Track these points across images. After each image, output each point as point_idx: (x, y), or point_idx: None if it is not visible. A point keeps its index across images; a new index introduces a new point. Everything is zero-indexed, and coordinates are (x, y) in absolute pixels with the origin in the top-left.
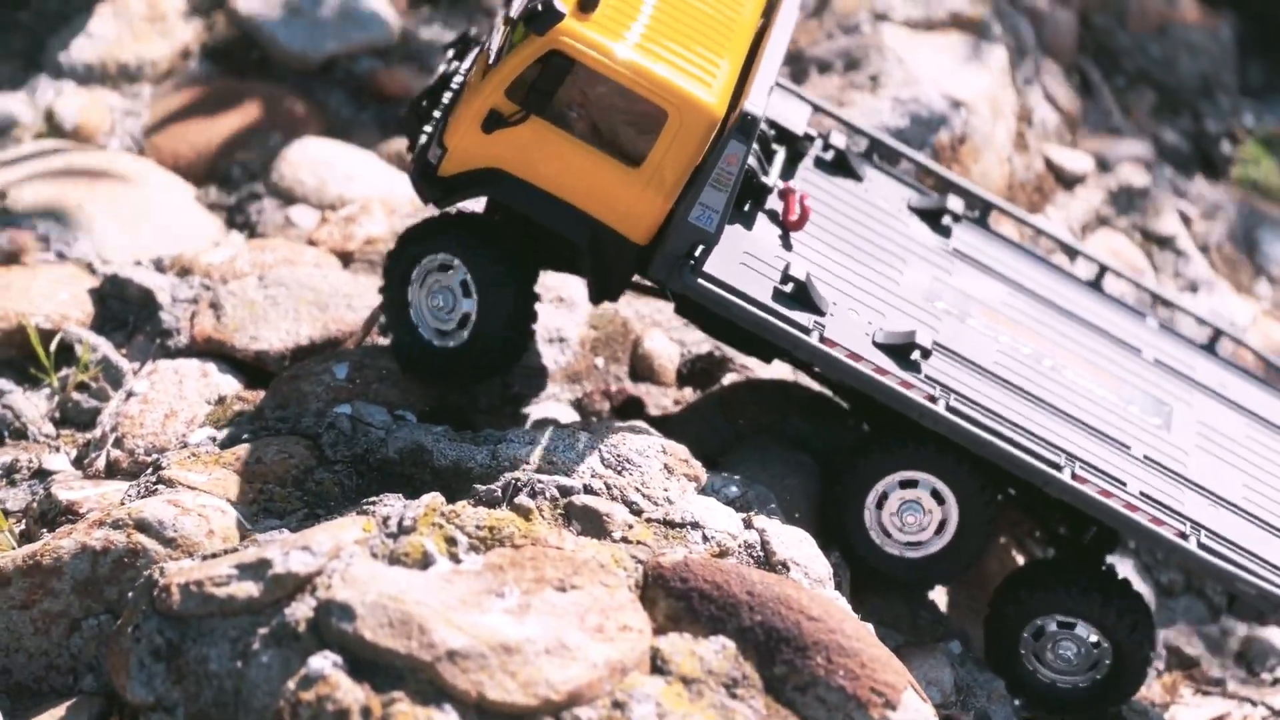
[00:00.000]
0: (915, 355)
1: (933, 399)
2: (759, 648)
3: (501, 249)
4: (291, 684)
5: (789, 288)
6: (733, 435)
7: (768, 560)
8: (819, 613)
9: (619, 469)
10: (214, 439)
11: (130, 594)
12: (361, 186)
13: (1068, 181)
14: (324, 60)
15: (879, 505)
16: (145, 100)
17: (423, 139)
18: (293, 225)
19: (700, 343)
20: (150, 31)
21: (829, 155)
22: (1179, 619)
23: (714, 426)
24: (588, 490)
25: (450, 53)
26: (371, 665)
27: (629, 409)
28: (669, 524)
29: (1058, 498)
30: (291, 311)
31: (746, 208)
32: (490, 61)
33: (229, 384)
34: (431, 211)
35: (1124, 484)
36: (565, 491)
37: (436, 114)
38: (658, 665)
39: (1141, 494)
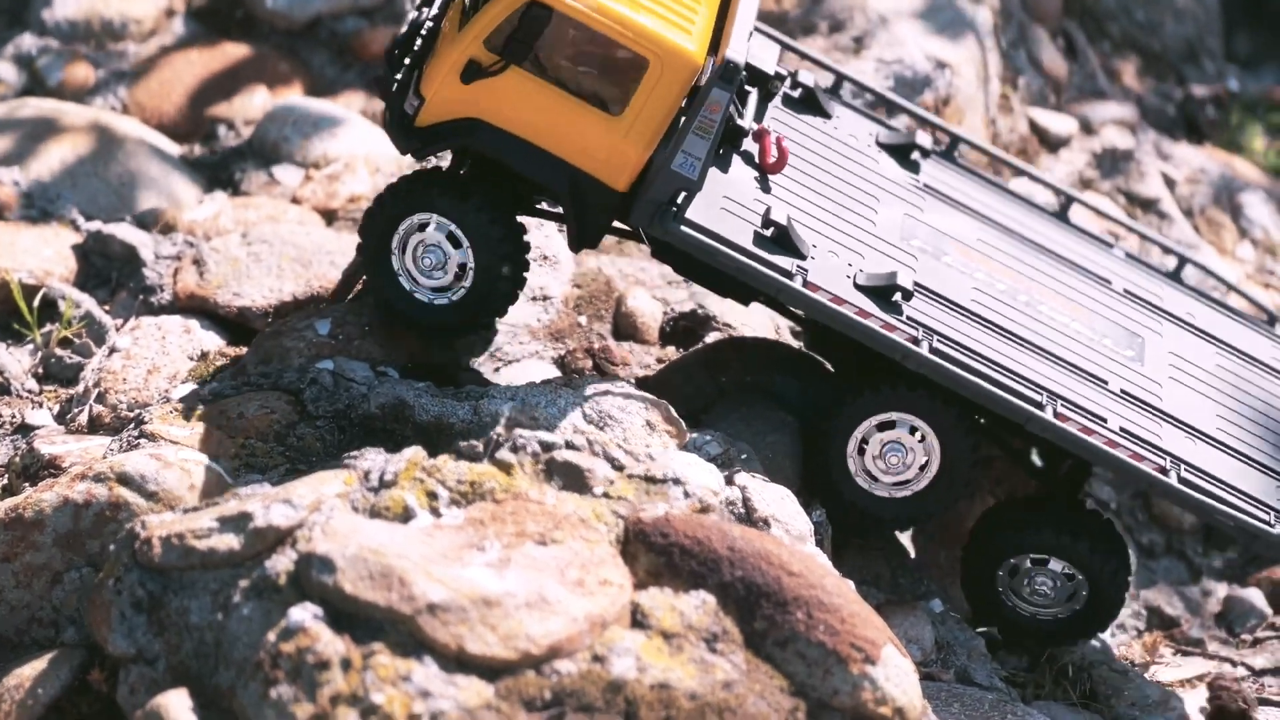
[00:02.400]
0: (897, 297)
1: (915, 341)
2: (739, 603)
3: (480, 195)
4: (272, 636)
5: (770, 231)
6: (716, 393)
7: (749, 517)
8: (799, 568)
9: (601, 425)
10: (196, 394)
11: (112, 547)
12: (345, 145)
13: (1052, 144)
14: (308, 19)
15: (860, 452)
16: (129, 59)
17: (395, 89)
18: (276, 183)
19: (684, 301)
20: None
21: (797, 93)
22: (1159, 580)
23: (697, 384)
24: (569, 446)
25: (414, 9)
26: (351, 617)
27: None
28: (650, 480)
29: (1040, 435)
30: (274, 268)
31: (721, 151)
32: (466, 9)
33: (212, 340)
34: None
35: (1104, 420)
36: (547, 447)
37: (408, 62)
38: (638, 619)
39: (1122, 430)
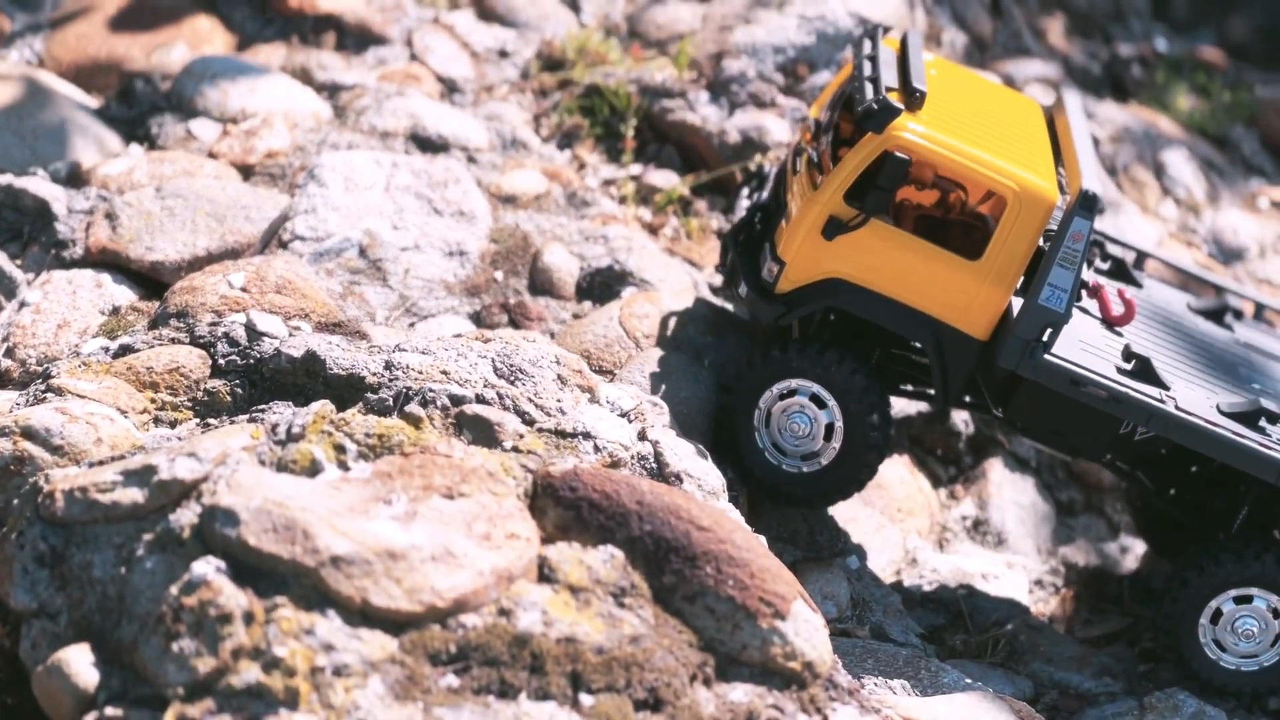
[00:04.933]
0: (1263, 421)
1: None
2: (648, 557)
3: (839, 350)
4: (174, 589)
5: (1131, 364)
6: (632, 348)
7: (661, 472)
8: (709, 523)
9: (512, 379)
10: (106, 349)
11: (15, 501)
12: (264, 100)
13: None
14: None
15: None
16: (46, 12)
17: (744, 266)
18: (194, 138)
19: (600, 257)
20: None
21: (1107, 265)
22: (1078, 537)
23: (612, 339)
24: (480, 400)
25: (746, 190)
26: (255, 571)
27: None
28: (560, 434)
29: None
30: (189, 223)
31: None
32: (816, 167)
33: (124, 295)
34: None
35: None
36: (457, 401)
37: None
38: (545, 574)
39: None
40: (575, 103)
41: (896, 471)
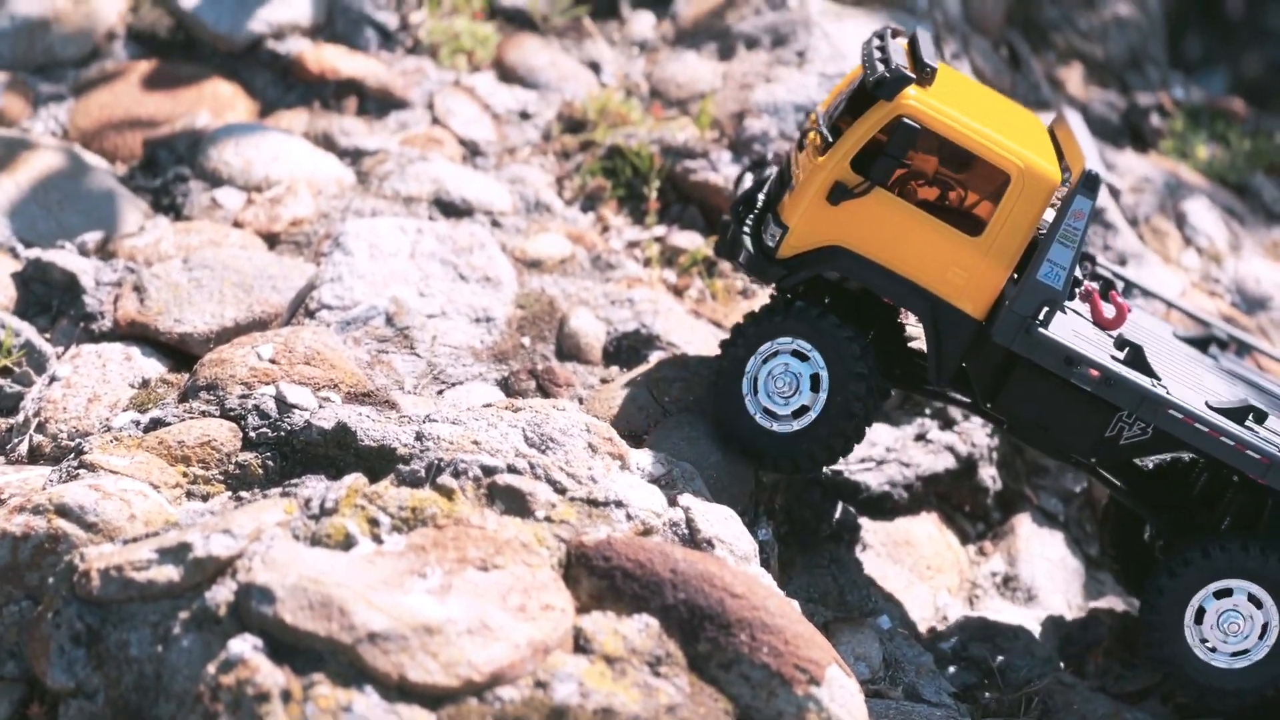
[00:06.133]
0: (1250, 420)
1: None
2: (683, 626)
3: (851, 333)
4: (211, 668)
5: (1124, 353)
6: (659, 413)
7: (693, 538)
8: (742, 590)
9: (543, 448)
10: (137, 423)
11: (50, 580)
12: (287, 167)
13: None
14: (250, 41)
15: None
16: (70, 83)
17: (746, 234)
18: (219, 207)
19: (627, 320)
20: (75, 13)
21: (1096, 285)
22: (1108, 592)
23: (640, 405)
24: (511, 470)
25: (749, 174)
26: (292, 648)
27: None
28: (592, 503)
29: None
30: (216, 294)
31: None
32: (825, 140)
33: (153, 367)
34: None
35: None
36: (488, 471)
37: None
38: (581, 644)
39: None
40: (597, 164)
41: (925, 529)
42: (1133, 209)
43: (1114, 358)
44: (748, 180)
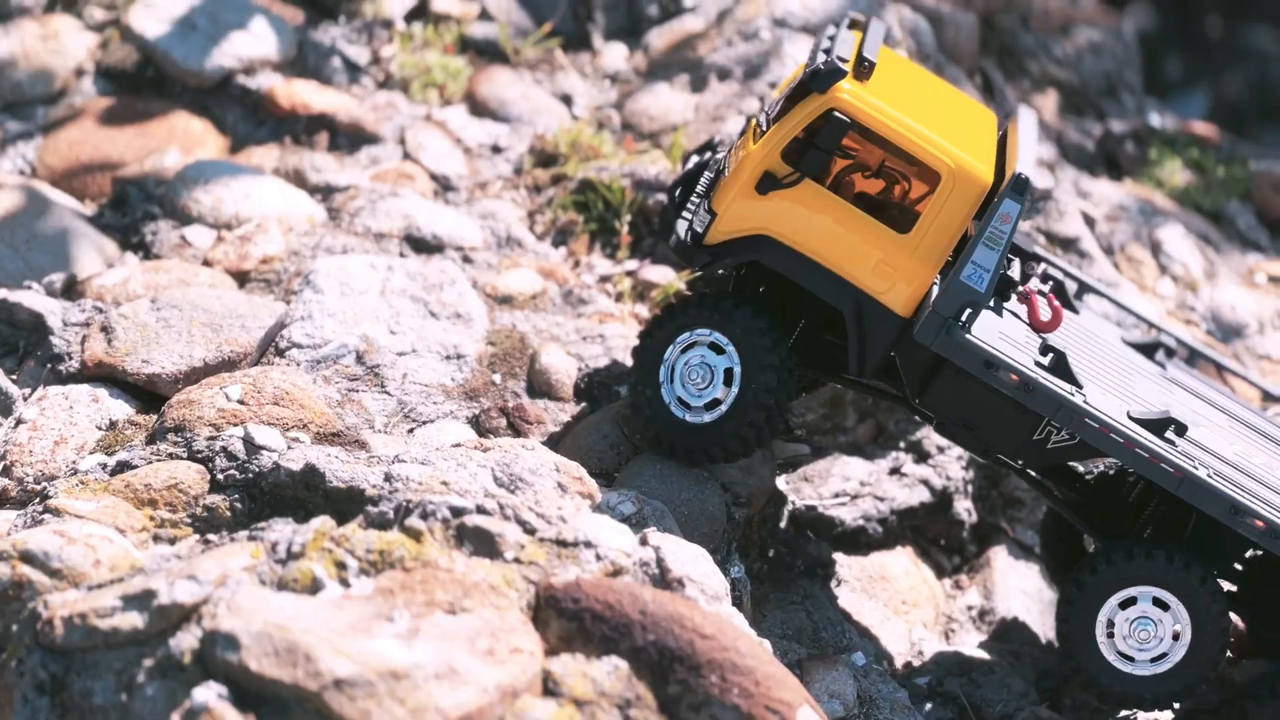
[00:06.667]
0: (1170, 432)
1: (1188, 469)
2: (652, 667)
3: (753, 306)
4: (176, 717)
5: (1048, 359)
6: (631, 451)
7: (663, 577)
8: (713, 631)
9: (512, 488)
10: (104, 466)
11: (14, 627)
12: (258, 205)
13: None
14: (220, 76)
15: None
16: (38, 121)
17: (682, 221)
18: (188, 245)
19: (598, 356)
20: (43, 50)
21: (1048, 286)
22: None
23: (611, 442)
24: (480, 510)
25: (695, 156)
26: (257, 696)
27: None
28: (562, 543)
29: None
30: (184, 333)
31: (992, 302)
32: (761, 130)
33: (120, 409)
34: None
35: None
36: (457, 512)
37: (693, 199)
38: (549, 687)
39: None
40: (569, 198)
41: (900, 563)
42: (1108, 237)
43: (1037, 363)
44: (693, 162)
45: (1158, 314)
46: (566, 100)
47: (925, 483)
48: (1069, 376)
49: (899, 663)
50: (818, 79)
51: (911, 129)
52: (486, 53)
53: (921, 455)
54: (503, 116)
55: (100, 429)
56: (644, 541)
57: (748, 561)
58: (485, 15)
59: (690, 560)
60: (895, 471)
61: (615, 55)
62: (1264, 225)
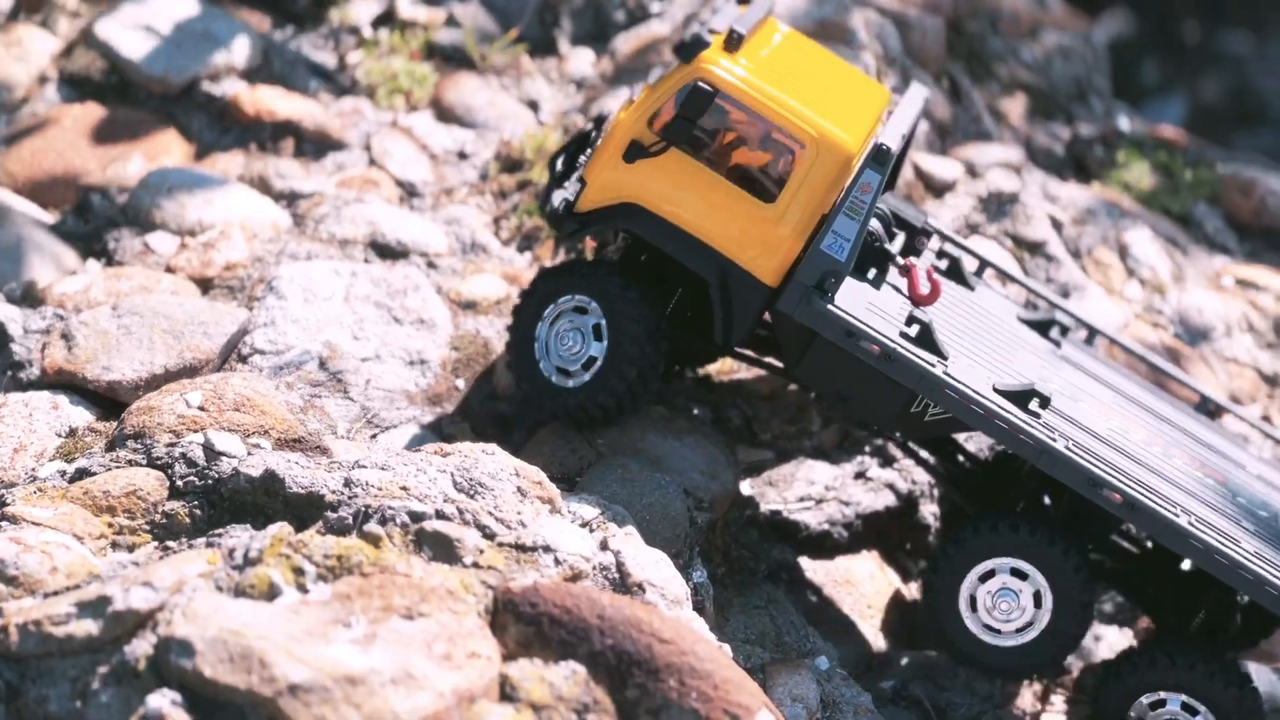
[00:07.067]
0: (1034, 404)
1: (1046, 441)
2: (610, 672)
3: (642, 300)
4: None
5: (914, 330)
6: (593, 455)
7: (624, 582)
8: (671, 635)
9: (471, 493)
10: (63, 473)
11: None
12: (221, 211)
13: (937, 189)
14: (185, 83)
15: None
16: (0, 128)
17: (559, 192)
18: (151, 252)
19: None
20: (6, 57)
21: (943, 263)
22: None
23: (573, 446)
24: (439, 515)
25: (591, 126)
26: (212, 702)
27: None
28: (521, 548)
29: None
30: (145, 340)
31: (872, 274)
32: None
33: (81, 416)
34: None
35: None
36: (416, 517)
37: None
38: (507, 692)
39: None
40: (534, 204)
41: (865, 567)
42: (1075, 241)
43: (903, 334)
44: (575, 134)
45: (1124, 317)
46: (533, 106)
47: (891, 487)
48: (933, 348)
49: (863, 667)
50: (683, 49)
51: (775, 99)
52: (453, 59)
53: (887, 460)
54: (469, 122)
55: (60, 436)
56: (604, 546)
57: (711, 566)
58: (452, 21)
59: (651, 564)
60: (860, 476)
61: (582, 60)
62: (1232, 228)
